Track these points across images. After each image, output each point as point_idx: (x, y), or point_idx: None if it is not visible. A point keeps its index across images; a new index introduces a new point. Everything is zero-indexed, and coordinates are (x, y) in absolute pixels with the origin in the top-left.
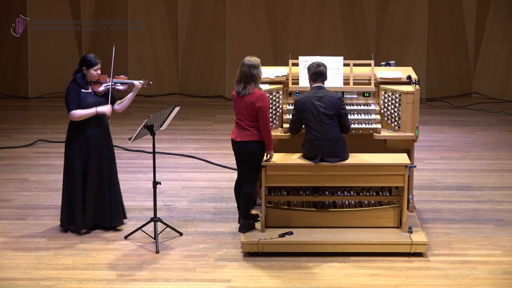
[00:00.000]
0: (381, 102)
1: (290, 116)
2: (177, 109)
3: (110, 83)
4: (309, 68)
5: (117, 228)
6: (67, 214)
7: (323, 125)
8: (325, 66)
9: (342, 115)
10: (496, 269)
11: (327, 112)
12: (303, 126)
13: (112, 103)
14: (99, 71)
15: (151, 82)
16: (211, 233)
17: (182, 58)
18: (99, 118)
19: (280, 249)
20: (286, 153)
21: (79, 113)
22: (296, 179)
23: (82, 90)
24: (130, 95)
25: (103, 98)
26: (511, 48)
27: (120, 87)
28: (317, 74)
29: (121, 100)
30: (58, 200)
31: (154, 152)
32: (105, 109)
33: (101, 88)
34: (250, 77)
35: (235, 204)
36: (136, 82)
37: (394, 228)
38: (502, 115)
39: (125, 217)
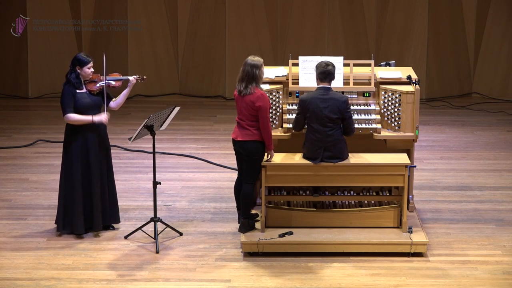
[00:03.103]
0: (381, 102)
1: (290, 116)
2: (177, 109)
3: (104, 81)
4: (317, 67)
5: (114, 226)
6: (63, 218)
7: (325, 127)
8: (333, 66)
9: (346, 118)
10: (496, 269)
11: (331, 116)
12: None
13: (108, 101)
14: (92, 69)
15: (145, 77)
16: (211, 233)
17: (182, 58)
18: None
19: (280, 249)
20: (286, 153)
21: (75, 117)
22: (296, 179)
23: (77, 91)
24: (125, 91)
25: (98, 97)
26: (511, 48)
27: (115, 84)
28: (325, 73)
29: (117, 97)
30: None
31: (154, 152)
32: (102, 118)
33: (96, 86)
34: (252, 77)
35: (235, 204)
36: (130, 78)
37: (394, 228)
38: (502, 115)
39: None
